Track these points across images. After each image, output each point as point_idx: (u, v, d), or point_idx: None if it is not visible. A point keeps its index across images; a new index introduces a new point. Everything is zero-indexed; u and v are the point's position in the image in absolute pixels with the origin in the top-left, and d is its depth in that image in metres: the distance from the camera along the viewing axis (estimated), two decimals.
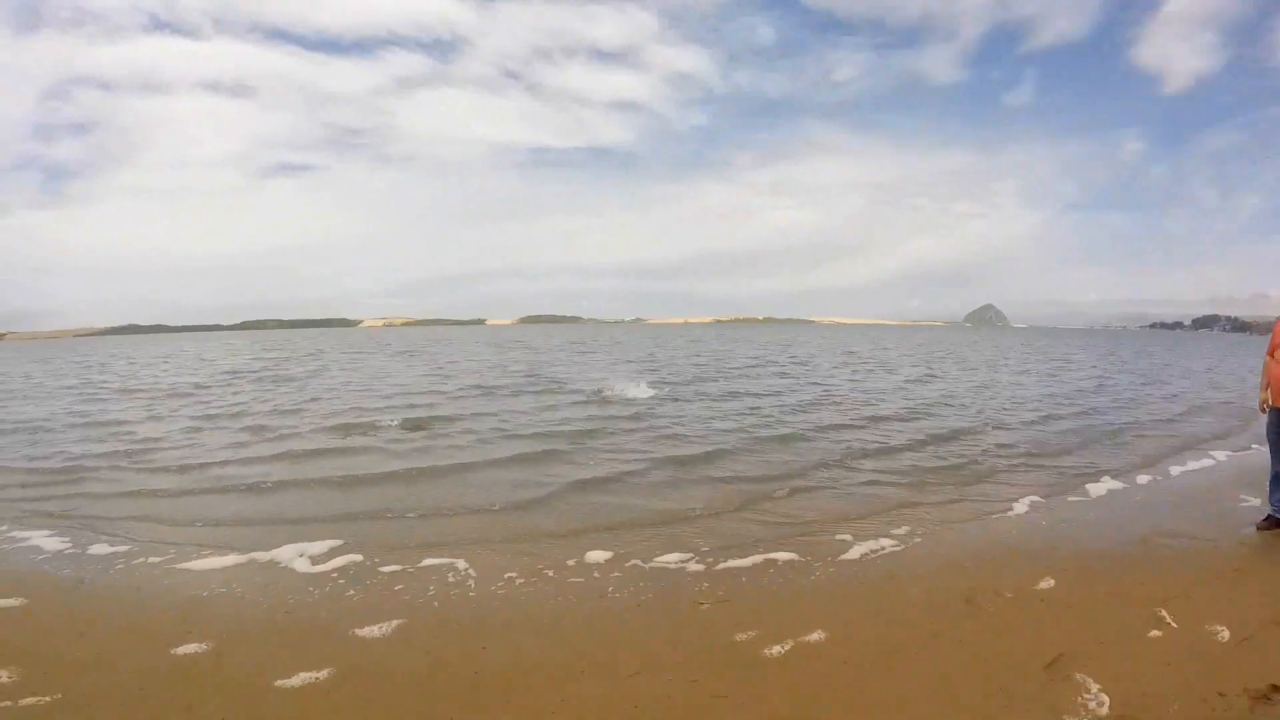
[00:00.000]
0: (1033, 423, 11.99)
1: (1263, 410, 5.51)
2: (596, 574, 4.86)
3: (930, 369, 24.81)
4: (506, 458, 9.02)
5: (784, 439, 10.19)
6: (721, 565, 5.00)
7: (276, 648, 3.72)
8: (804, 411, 13.28)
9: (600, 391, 15.48)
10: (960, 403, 14.90)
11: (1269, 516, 5.51)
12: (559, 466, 8.48)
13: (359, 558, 5.10)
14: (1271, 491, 5.50)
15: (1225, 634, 3.76)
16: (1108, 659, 3.51)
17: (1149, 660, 3.50)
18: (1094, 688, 3.22)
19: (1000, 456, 9.10)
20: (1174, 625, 3.89)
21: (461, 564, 4.96)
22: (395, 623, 4.01)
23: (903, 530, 5.80)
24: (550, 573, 4.85)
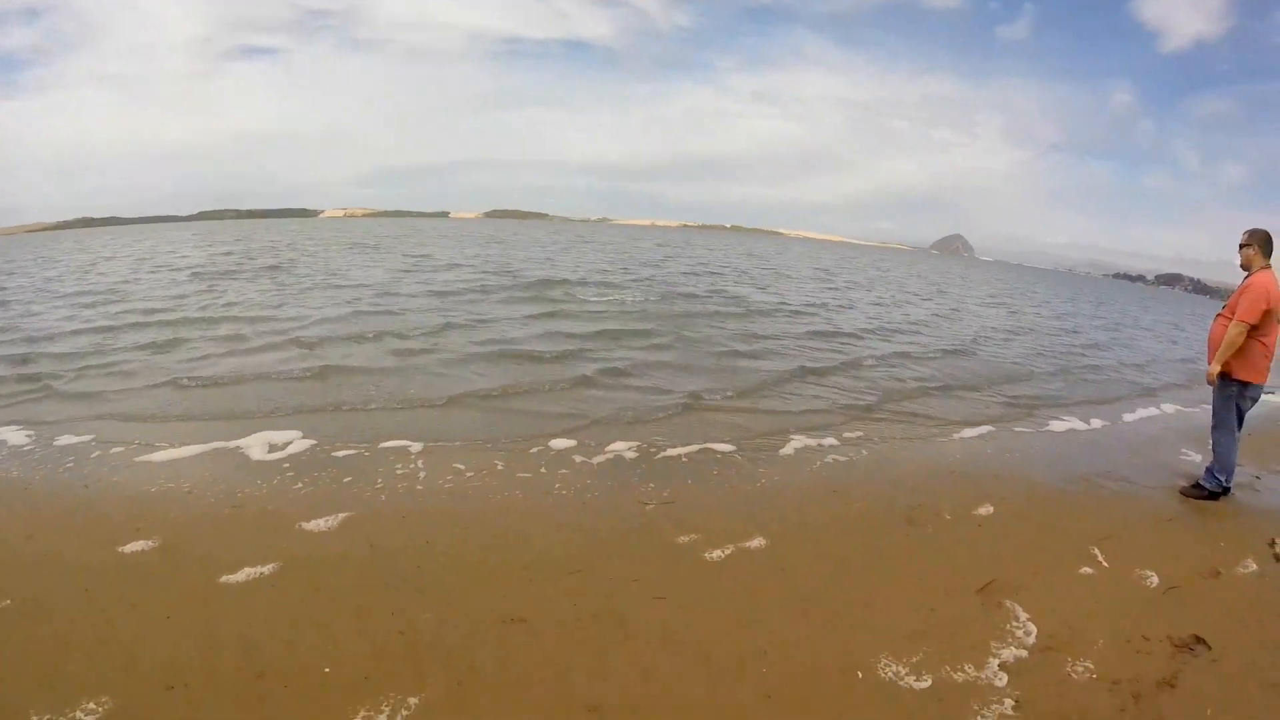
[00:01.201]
0: (993, 355, 12.24)
1: (1210, 381, 5.34)
2: (544, 469, 4.94)
3: (904, 290, 25.11)
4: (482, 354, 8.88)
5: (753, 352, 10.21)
6: (668, 468, 5.10)
7: (223, 543, 3.72)
8: (770, 319, 13.29)
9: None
10: (929, 327, 15.10)
11: (1197, 484, 5.55)
12: (532, 366, 8.38)
13: (311, 449, 5.13)
14: (1225, 469, 5.42)
15: (1154, 579, 3.93)
16: (1038, 590, 3.64)
17: (1078, 596, 3.64)
18: (1023, 616, 3.35)
19: (958, 384, 9.30)
20: (1105, 565, 4.05)
21: (414, 456, 5.02)
22: (341, 516, 4.04)
23: (853, 445, 5.96)
24: (500, 465, 4.95)
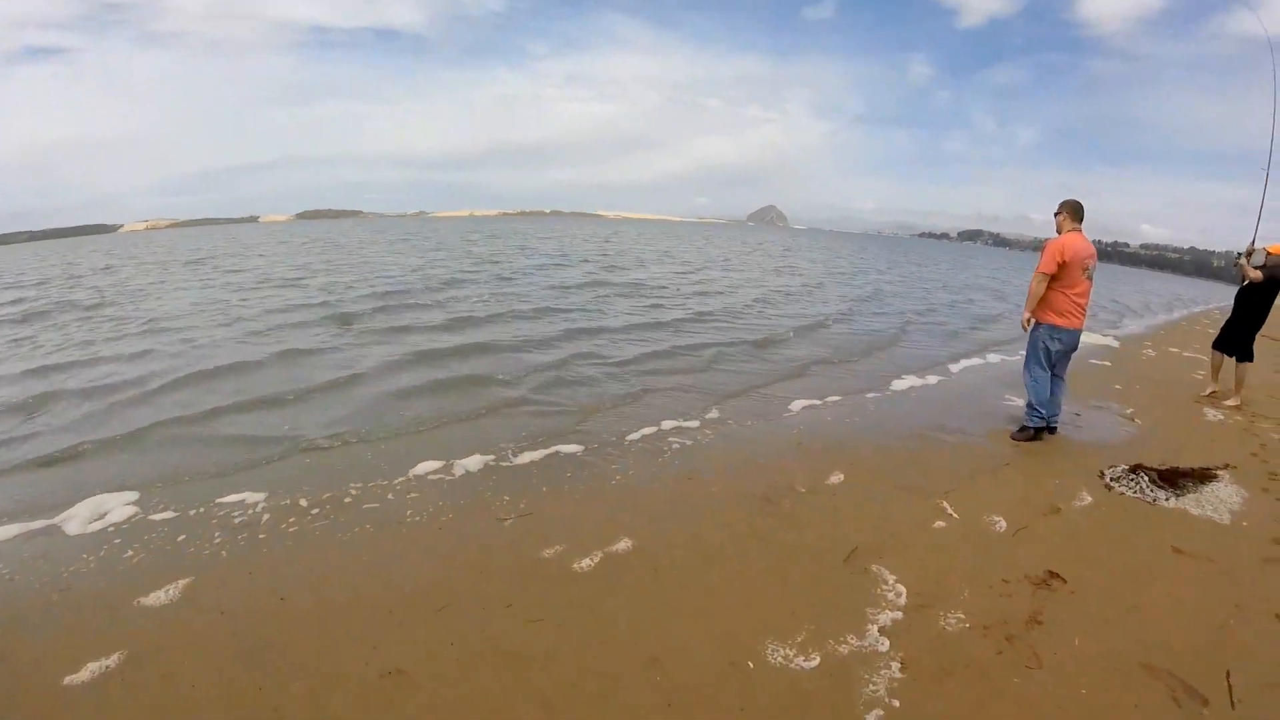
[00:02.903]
0: (819, 324, 13.02)
1: (1025, 327, 6.29)
2: (392, 496, 4.61)
3: (729, 261, 26.10)
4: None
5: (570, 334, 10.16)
6: (519, 478, 4.94)
7: (59, 636, 3.18)
8: (583, 294, 13.31)
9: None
10: (757, 300, 15.81)
11: (1022, 426, 6.35)
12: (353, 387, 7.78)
13: (138, 512, 4.49)
14: (1037, 407, 6.26)
15: (1002, 524, 4.27)
16: (900, 550, 3.84)
17: (937, 550, 3.88)
18: (890, 579, 3.51)
19: (788, 353, 9.86)
20: (956, 517, 4.35)
21: (251, 500, 4.56)
22: (182, 583, 3.58)
23: (698, 429, 6.06)
24: (346, 498, 4.59)
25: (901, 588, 3.44)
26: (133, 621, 3.30)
